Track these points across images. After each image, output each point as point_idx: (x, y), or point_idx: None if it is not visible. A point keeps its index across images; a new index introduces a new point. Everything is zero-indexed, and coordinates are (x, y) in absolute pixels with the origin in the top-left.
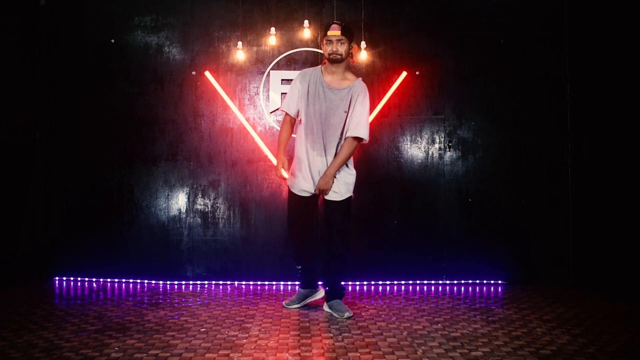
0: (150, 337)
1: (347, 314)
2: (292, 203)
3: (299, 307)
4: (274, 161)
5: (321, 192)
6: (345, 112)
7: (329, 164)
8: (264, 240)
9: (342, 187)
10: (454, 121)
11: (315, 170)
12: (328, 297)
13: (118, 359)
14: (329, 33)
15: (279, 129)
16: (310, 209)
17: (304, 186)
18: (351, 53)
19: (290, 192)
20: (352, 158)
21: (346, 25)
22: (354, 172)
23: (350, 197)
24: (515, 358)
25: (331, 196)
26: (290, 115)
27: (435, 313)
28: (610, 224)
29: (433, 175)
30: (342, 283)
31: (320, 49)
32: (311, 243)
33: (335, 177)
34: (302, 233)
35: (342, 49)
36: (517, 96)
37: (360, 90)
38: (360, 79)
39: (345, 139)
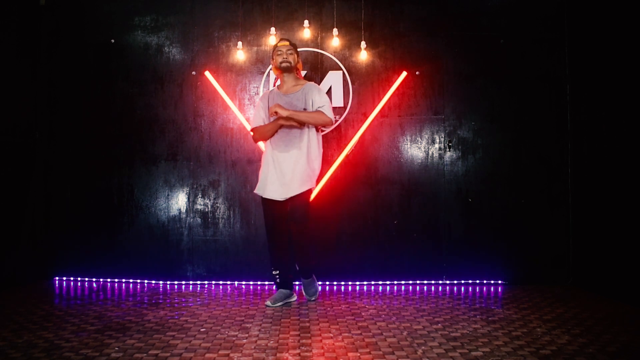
0: (150, 337)
1: (313, 298)
2: (266, 208)
3: (281, 305)
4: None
5: (272, 111)
6: (304, 108)
7: (291, 157)
8: (264, 240)
9: (304, 182)
10: (454, 121)
11: (282, 167)
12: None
13: (118, 359)
14: (279, 44)
15: None
16: (284, 213)
17: (274, 191)
18: (297, 67)
19: (262, 199)
20: (319, 151)
21: (293, 43)
22: (316, 167)
23: (310, 189)
24: (515, 358)
25: (294, 191)
26: (257, 126)
27: (435, 313)
28: (610, 224)
29: (433, 175)
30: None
31: (271, 63)
32: (287, 246)
33: (291, 115)
34: (280, 237)
35: (290, 57)
36: (517, 96)
37: (312, 87)
38: (312, 82)
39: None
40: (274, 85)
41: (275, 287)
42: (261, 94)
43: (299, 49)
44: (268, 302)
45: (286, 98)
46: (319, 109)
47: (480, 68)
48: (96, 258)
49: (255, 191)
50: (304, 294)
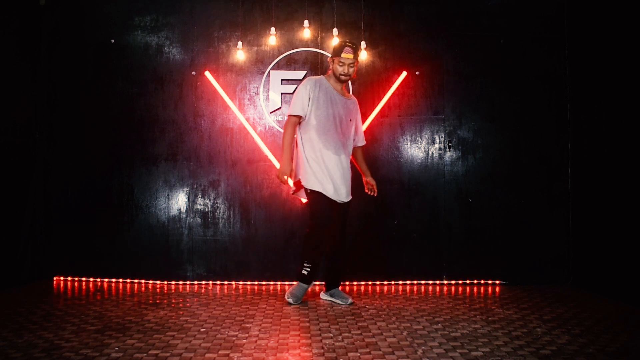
0: (150, 337)
1: (350, 300)
2: (325, 206)
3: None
4: (277, 164)
5: (370, 187)
6: (351, 120)
7: (342, 162)
8: (264, 240)
9: (349, 192)
10: (454, 121)
11: (329, 168)
12: (329, 287)
13: (118, 359)
14: (343, 55)
15: (279, 129)
16: (336, 213)
17: (335, 192)
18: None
19: (319, 194)
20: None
21: (356, 47)
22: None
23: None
24: (515, 358)
25: (347, 198)
26: (299, 115)
27: (435, 313)
28: (610, 224)
29: (433, 175)
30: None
31: (329, 61)
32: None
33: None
34: (329, 236)
35: (352, 70)
36: (517, 96)
37: (357, 105)
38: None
39: (359, 148)
40: (325, 75)
41: (298, 280)
42: (261, 94)
43: (298, 49)
44: (290, 300)
45: (344, 100)
46: (361, 138)
47: (480, 68)
48: (96, 258)
49: (309, 186)
50: (339, 302)
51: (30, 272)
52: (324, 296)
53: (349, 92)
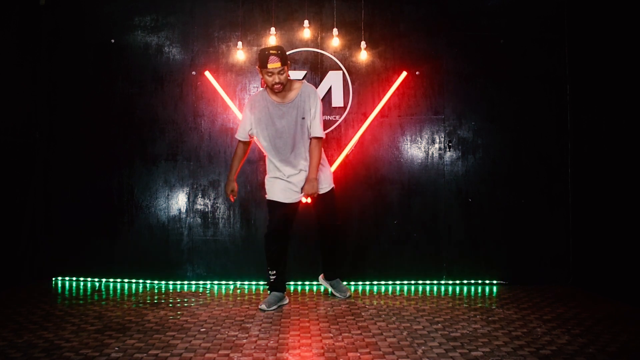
0: (150, 337)
1: (348, 294)
2: (277, 211)
3: (274, 310)
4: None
5: (309, 195)
6: (303, 117)
7: (302, 174)
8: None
9: (323, 182)
10: (454, 121)
11: (292, 180)
12: (327, 276)
13: (118, 359)
14: (269, 66)
15: None
16: (291, 215)
17: (287, 195)
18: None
19: (272, 201)
20: (323, 154)
21: (281, 52)
22: (326, 164)
23: (332, 188)
24: (515, 358)
25: (323, 190)
26: (241, 140)
27: (435, 313)
28: (610, 224)
29: (433, 175)
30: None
31: (260, 75)
32: (286, 248)
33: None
34: (284, 239)
35: (282, 78)
36: (517, 96)
37: (308, 92)
38: (304, 81)
39: (310, 142)
40: (263, 88)
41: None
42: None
43: (298, 49)
44: (263, 306)
45: (284, 108)
46: (315, 129)
47: (480, 68)
48: (96, 258)
49: (269, 197)
50: (338, 295)
51: (30, 272)
52: (322, 281)
53: (295, 88)
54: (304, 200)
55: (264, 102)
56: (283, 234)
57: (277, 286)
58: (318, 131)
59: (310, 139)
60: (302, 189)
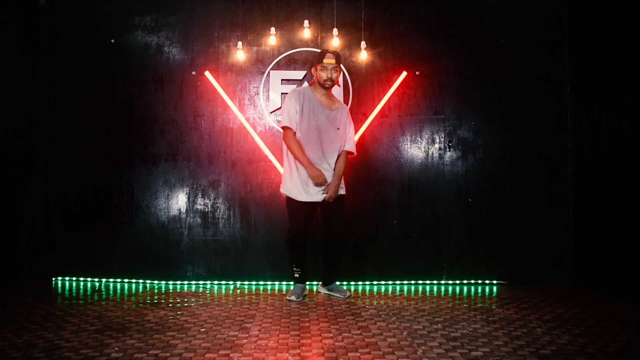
0: (150, 337)
1: (348, 294)
2: (298, 211)
3: (302, 300)
4: (277, 164)
5: (330, 199)
6: (338, 128)
7: (326, 172)
8: (264, 240)
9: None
10: (454, 121)
11: (308, 183)
12: (326, 282)
13: (118, 359)
14: (325, 61)
15: (279, 129)
16: (311, 215)
17: (308, 195)
18: (337, 82)
19: (293, 200)
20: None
21: (337, 54)
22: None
23: (344, 195)
24: (515, 358)
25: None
26: (293, 128)
27: (435, 313)
28: (610, 224)
29: (433, 175)
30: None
31: (312, 72)
32: (306, 246)
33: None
34: (305, 240)
35: (334, 75)
36: (517, 96)
37: (346, 112)
38: (342, 102)
39: (341, 152)
40: (309, 84)
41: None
42: (261, 94)
43: (298, 49)
44: (292, 297)
45: (326, 111)
46: (349, 143)
47: (480, 68)
48: (96, 258)
49: (284, 191)
50: (338, 295)
51: (30, 272)
52: (322, 290)
53: (336, 100)
54: (321, 198)
55: (311, 97)
56: (304, 236)
57: (302, 279)
58: (352, 147)
59: (343, 151)
60: (326, 188)
